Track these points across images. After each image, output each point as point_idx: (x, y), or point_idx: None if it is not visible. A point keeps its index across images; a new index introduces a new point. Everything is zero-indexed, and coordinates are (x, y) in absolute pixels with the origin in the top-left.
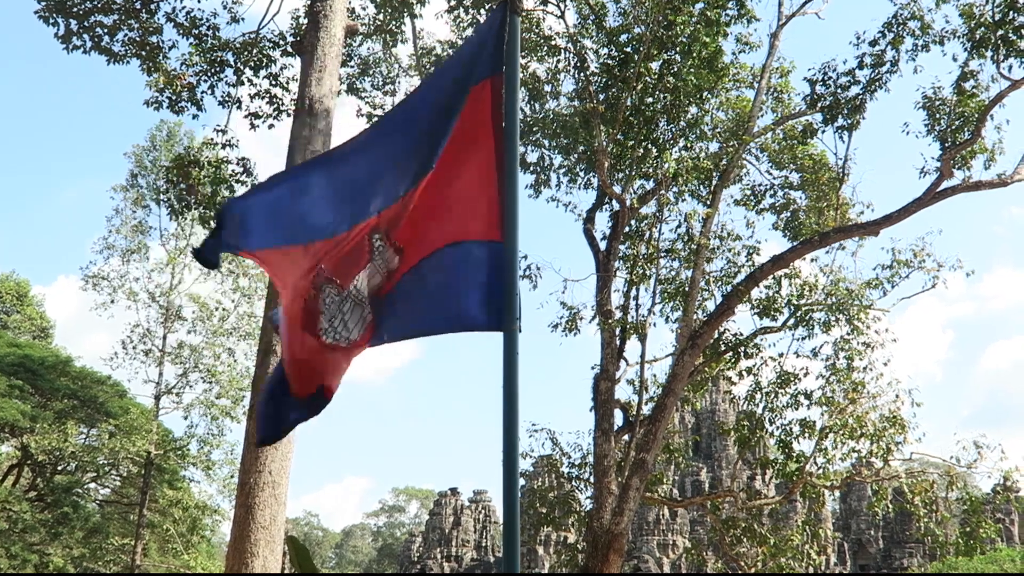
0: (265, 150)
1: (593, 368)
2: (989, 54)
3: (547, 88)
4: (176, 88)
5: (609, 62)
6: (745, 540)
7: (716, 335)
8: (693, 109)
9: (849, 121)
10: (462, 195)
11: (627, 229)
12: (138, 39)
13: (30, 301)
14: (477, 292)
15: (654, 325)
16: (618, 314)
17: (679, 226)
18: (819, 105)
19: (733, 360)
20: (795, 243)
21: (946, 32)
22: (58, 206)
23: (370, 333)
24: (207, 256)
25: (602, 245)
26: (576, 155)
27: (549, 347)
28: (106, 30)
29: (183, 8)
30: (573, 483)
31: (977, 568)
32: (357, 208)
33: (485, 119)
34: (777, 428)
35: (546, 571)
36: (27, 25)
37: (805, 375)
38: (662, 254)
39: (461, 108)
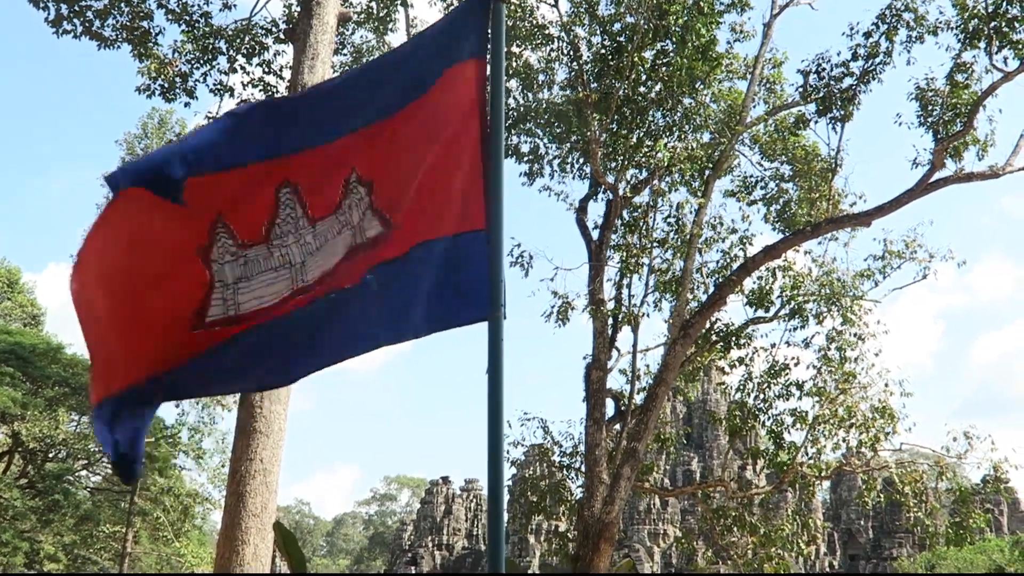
0: None
1: (585, 357)
2: (982, 45)
3: (540, 77)
4: (168, 76)
5: (602, 51)
6: (735, 529)
7: (708, 325)
8: (687, 100)
9: (842, 112)
10: (447, 185)
11: (620, 219)
12: (128, 23)
13: (21, 288)
14: (461, 285)
15: (647, 315)
16: (611, 304)
17: (668, 216)
18: (812, 96)
19: (724, 350)
20: (787, 233)
21: (939, 23)
22: (49, 193)
23: (285, 307)
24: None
25: (595, 234)
26: (569, 144)
27: (542, 336)
28: (96, 15)
29: None
30: (565, 472)
31: (966, 558)
32: (256, 143)
33: (470, 105)
34: (768, 418)
35: (537, 559)
36: (18, 10)
37: (796, 364)
38: (655, 244)
39: (432, 83)
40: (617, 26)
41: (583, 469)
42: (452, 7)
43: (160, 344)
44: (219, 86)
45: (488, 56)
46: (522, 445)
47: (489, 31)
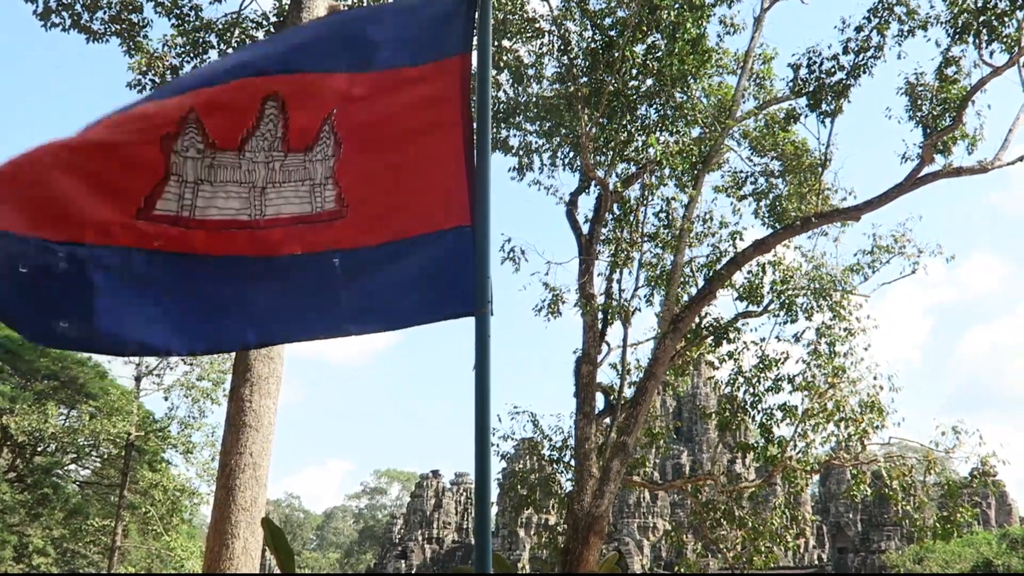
0: None
1: (575, 352)
2: (971, 40)
3: (531, 71)
4: (158, 70)
5: (593, 45)
6: (725, 523)
7: (698, 319)
8: (678, 94)
9: (832, 107)
10: (429, 181)
11: (610, 213)
12: (117, 16)
13: None
14: (448, 280)
15: (637, 309)
16: (601, 298)
17: (659, 210)
18: (802, 90)
19: (714, 344)
20: (777, 228)
21: (930, 18)
22: None
23: (248, 236)
24: None
25: (585, 229)
26: (559, 138)
27: (533, 330)
28: (85, 7)
29: None
30: (554, 466)
31: (954, 551)
32: (248, 63)
33: (453, 101)
34: (758, 412)
35: (526, 553)
36: (6, 4)
37: (785, 359)
38: (645, 238)
39: (413, 63)
40: (608, 20)
41: (573, 463)
42: None
43: (97, 212)
44: None
45: (475, 50)
46: (512, 439)
47: (476, 25)
